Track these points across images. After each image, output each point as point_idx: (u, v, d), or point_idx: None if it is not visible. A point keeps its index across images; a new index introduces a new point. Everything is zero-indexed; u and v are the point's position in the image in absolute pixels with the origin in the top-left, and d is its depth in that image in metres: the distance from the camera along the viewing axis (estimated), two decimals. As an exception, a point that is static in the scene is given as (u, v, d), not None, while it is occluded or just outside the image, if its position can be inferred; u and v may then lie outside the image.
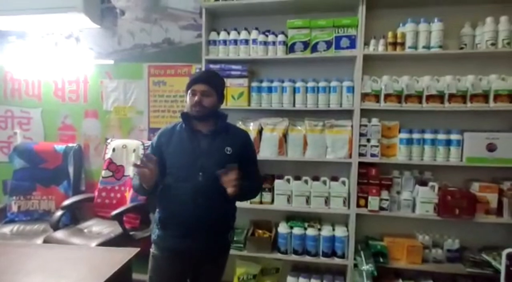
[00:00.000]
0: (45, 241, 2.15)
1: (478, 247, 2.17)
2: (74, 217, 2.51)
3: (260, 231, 2.37)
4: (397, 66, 2.21)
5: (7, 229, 2.40)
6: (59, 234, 2.21)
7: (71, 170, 2.61)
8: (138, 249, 1.58)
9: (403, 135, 2.13)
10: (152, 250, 1.54)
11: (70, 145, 2.67)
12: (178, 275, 1.52)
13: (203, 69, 2.32)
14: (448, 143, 2.07)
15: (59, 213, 2.34)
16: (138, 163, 1.38)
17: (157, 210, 1.55)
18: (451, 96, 2.05)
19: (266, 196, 2.30)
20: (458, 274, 2.11)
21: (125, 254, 1.54)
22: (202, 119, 1.48)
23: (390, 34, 2.11)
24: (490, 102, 2.02)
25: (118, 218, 2.14)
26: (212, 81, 1.49)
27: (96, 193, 2.53)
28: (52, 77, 2.79)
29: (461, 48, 2.08)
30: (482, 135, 2.04)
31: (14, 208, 2.58)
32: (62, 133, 2.80)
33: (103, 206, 2.48)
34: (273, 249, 2.29)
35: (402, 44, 2.09)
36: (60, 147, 2.65)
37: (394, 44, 2.10)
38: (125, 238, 2.19)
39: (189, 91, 1.48)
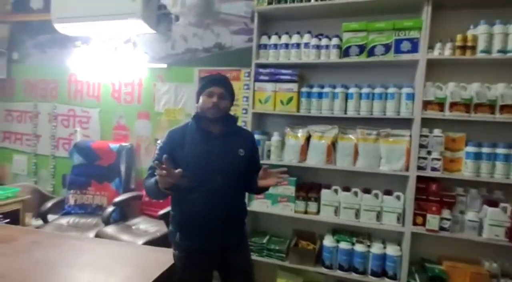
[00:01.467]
0: (97, 235, 2.26)
1: (559, 282, 1.87)
2: (123, 213, 2.62)
3: (304, 242, 2.27)
4: (466, 72, 2.01)
5: (64, 221, 2.57)
6: (110, 229, 2.30)
7: (123, 168, 2.73)
8: (183, 251, 1.59)
9: (471, 148, 1.91)
10: (175, 251, 1.53)
11: (124, 144, 2.80)
12: (204, 271, 1.52)
13: (252, 73, 2.30)
14: (526, 159, 1.83)
15: (110, 209, 2.46)
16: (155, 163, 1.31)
17: (173, 213, 1.54)
18: (532, 107, 1.81)
19: (312, 206, 2.20)
20: (533, 311, 1.84)
21: (171, 255, 1.55)
22: (217, 121, 1.49)
23: (459, 37, 1.92)
24: None
25: (164, 217, 2.18)
26: (227, 85, 1.53)
27: (144, 192, 2.61)
28: (110, 80, 2.97)
29: (545, 52, 1.83)
30: None
31: (71, 201, 2.76)
32: (116, 133, 2.95)
33: (150, 205, 2.56)
34: (316, 262, 2.18)
35: (473, 48, 1.89)
36: (114, 145, 2.79)
37: (463, 48, 1.90)
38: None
39: (204, 92, 1.49)
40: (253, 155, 1.62)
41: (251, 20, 2.46)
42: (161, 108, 2.80)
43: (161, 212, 2.20)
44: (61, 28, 2.79)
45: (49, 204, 2.60)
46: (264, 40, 2.31)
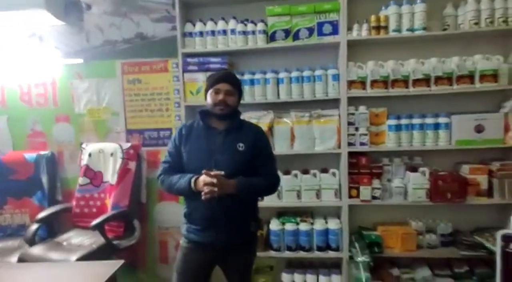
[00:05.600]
0: (20, 259, 1.98)
1: (470, 229, 2.16)
2: (52, 229, 2.34)
3: (251, 230, 2.28)
4: (382, 51, 2.16)
5: (-23, 248, 2.22)
6: (36, 250, 2.04)
7: (44, 179, 2.43)
8: (122, 262, 1.48)
9: (391, 121, 2.08)
10: (181, 242, 1.60)
11: (42, 152, 2.48)
12: (202, 264, 1.57)
13: (180, 63, 2.19)
14: (437, 126, 2.04)
15: (34, 226, 2.17)
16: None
17: (184, 205, 1.59)
18: (437, 79, 2.02)
19: (255, 193, 2.21)
20: (452, 258, 2.11)
21: (108, 268, 1.43)
22: (224, 117, 1.51)
23: (373, 17, 2.04)
24: (476, 83, 1.99)
25: (99, 228, 2.00)
26: (234, 81, 1.55)
27: (73, 202, 2.37)
28: (16, 82, 2.58)
29: (444, 29, 2.04)
30: (470, 117, 2.02)
31: (-16, 225, 2.39)
32: (32, 141, 2.60)
33: (83, 216, 2.33)
34: (265, 247, 2.21)
35: (386, 28, 2.03)
36: (30, 155, 2.46)
37: (378, 28, 2.03)
38: (108, 249, 2.06)
39: (211, 90, 1.50)
40: (259, 150, 1.54)
41: (172, 7, 2.31)
42: (83, 109, 2.52)
43: (94, 222, 2.00)
44: None
45: (-46, 232, 2.21)
46: (189, 27, 2.20)
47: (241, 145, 1.50)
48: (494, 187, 2.02)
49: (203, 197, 1.37)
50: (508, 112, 2.00)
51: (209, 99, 1.51)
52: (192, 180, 1.42)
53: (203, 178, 1.39)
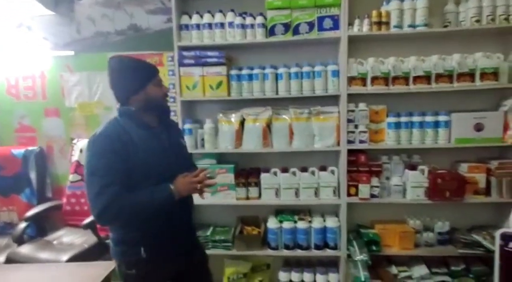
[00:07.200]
0: (8, 258, 1.91)
1: (467, 228, 2.16)
2: (41, 228, 2.27)
3: (248, 228, 2.24)
4: (383, 47, 2.12)
5: (-39, 248, 2.13)
6: (24, 249, 1.97)
7: (33, 175, 2.34)
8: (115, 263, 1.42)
9: (391, 119, 2.06)
10: (133, 271, 1.29)
11: (30, 148, 2.39)
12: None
13: (176, 57, 2.12)
14: (436, 124, 2.02)
15: (22, 225, 2.10)
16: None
17: (129, 228, 1.29)
18: (438, 76, 1.99)
19: (253, 191, 2.17)
20: (450, 256, 2.11)
21: (100, 269, 1.38)
22: (168, 112, 1.40)
23: (374, 13, 2.00)
24: (476, 81, 1.97)
25: (91, 226, 1.93)
26: None
27: (64, 200, 2.29)
28: (2, 73, 2.47)
29: (445, 26, 2.01)
30: (470, 115, 2.00)
31: (-30, 223, 2.30)
32: (19, 136, 2.50)
33: (74, 214, 2.26)
34: (262, 245, 2.17)
35: (387, 24, 1.99)
36: (18, 151, 2.36)
37: (379, 24, 1.99)
38: (101, 248, 2.00)
39: (153, 81, 1.32)
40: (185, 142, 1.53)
41: (168, -2, 2.24)
42: (73, 103, 2.43)
43: (87, 220, 1.94)
44: None
45: None
46: (185, 19, 2.12)
47: (182, 140, 1.48)
48: (492, 186, 2.02)
49: (206, 193, 1.35)
50: (507, 111, 1.99)
51: (155, 93, 1.31)
52: (172, 187, 1.24)
53: (191, 179, 1.28)
